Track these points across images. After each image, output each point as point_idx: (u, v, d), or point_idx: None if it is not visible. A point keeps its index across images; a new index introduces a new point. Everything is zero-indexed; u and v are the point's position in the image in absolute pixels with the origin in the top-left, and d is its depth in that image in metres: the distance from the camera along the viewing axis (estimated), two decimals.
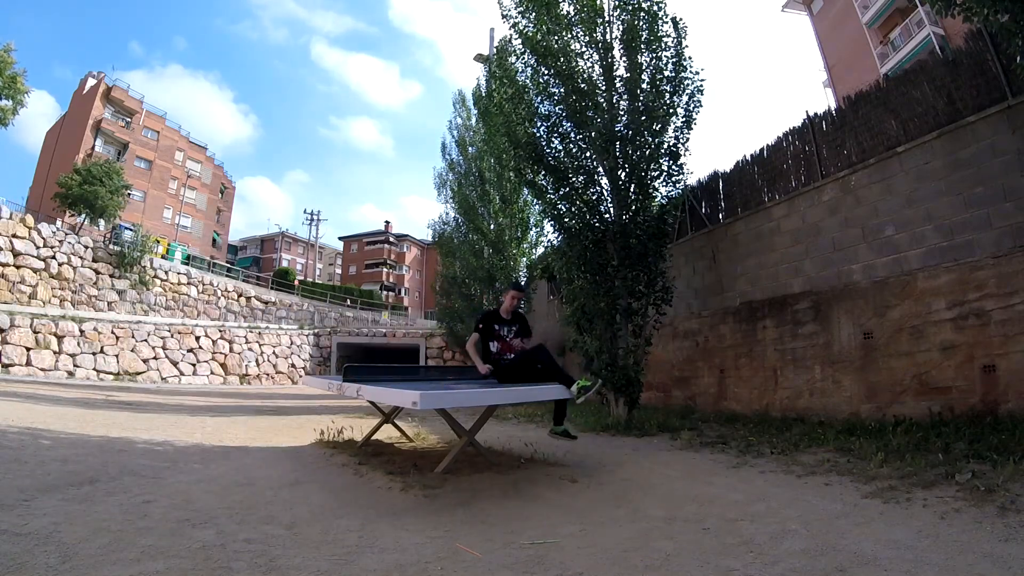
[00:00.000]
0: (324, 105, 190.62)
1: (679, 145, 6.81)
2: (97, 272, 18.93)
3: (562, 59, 6.79)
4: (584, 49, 6.94)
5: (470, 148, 14.57)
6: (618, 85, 6.88)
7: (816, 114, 6.67)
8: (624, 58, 6.85)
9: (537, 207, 11.86)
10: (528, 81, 7.22)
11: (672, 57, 6.70)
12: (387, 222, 55.86)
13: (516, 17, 7.06)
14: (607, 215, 6.85)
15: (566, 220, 6.93)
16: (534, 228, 13.61)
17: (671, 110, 6.70)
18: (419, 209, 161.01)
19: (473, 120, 14.81)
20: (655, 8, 6.73)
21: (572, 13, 6.91)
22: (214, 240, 39.17)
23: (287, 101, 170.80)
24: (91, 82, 32.19)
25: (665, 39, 6.71)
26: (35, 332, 14.51)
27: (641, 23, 6.69)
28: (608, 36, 6.93)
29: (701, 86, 6.72)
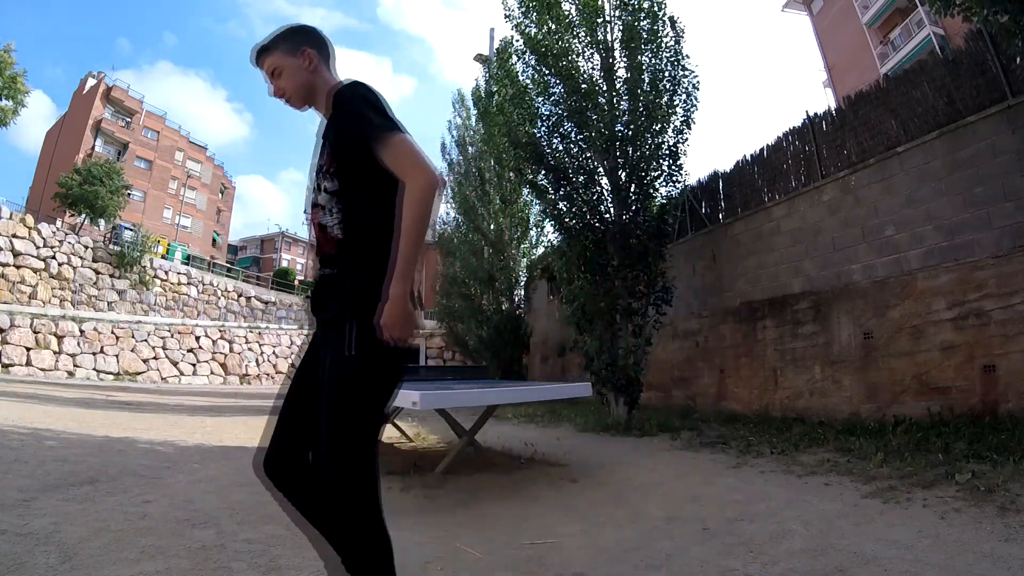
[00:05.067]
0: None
1: (679, 145, 6.81)
2: (97, 272, 18.93)
3: (563, 59, 6.80)
4: (585, 49, 6.94)
5: (470, 148, 14.55)
6: (618, 85, 6.89)
7: (816, 114, 6.67)
8: (624, 58, 6.86)
9: (537, 207, 11.85)
10: (529, 82, 7.23)
11: (671, 57, 6.72)
12: None
13: (519, 17, 7.07)
14: (607, 215, 6.85)
15: (566, 220, 6.93)
16: (534, 228, 13.59)
17: (671, 110, 6.71)
18: None
19: (473, 120, 14.79)
20: (655, 8, 6.74)
21: (573, 13, 6.92)
22: (214, 240, 39.15)
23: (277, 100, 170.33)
24: (91, 82, 32.18)
25: (664, 39, 6.73)
26: (35, 332, 14.51)
27: (641, 23, 6.70)
28: (608, 36, 6.93)
29: (696, 83, 6.73)
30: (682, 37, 6.77)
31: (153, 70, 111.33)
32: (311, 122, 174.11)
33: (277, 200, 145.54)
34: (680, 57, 6.71)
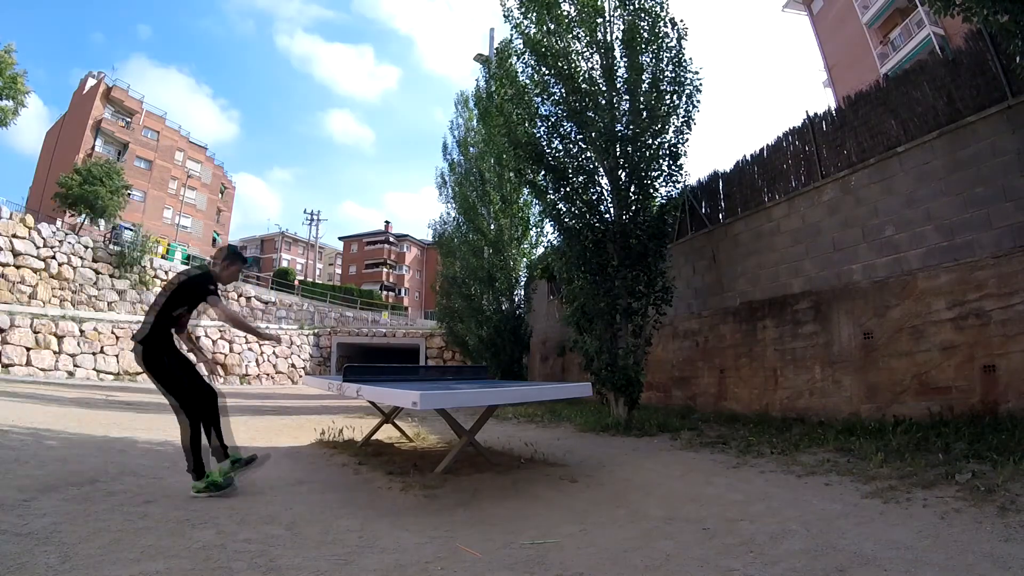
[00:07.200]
0: (302, 101, 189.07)
1: (679, 145, 6.81)
2: (97, 272, 18.93)
3: (563, 59, 6.80)
4: (585, 49, 6.94)
5: (471, 148, 14.57)
6: (619, 85, 6.89)
7: (816, 114, 6.67)
8: (624, 58, 6.85)
9: (537, 207, 11.84)
10: (528, 81, 7.23)
11: (672, 58, 6.71)
12: (387, 222, 55.84)
13: (518, 18, 7.07)
14: (607, 215, 6.85)
15: (566, 220, 6.93)
16: (534, 228, 13.60)
17: (671, 110, 6.70)
18: (401, 204, 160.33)
19: (474, 121, 14.80)
20: (656, 8, 6.74)
21: (573, 13, 6.92)
22: (214, 240, 39.14)
23: (264, 97, 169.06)
24: (91, 82, 32.19)
25: (665, 40, 6.72)
26: (35, 332, 14.51)
27: (642, 23, 6.70)
28: (609, 36, 6.93)
29: (700, 85, 6.73)
30: (684, 38, 6.76)
31: (136, 66, 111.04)
32: (299, 122, 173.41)
33: (269, 199, 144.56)
34: (682, 58, 6.71)
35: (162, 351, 3.08)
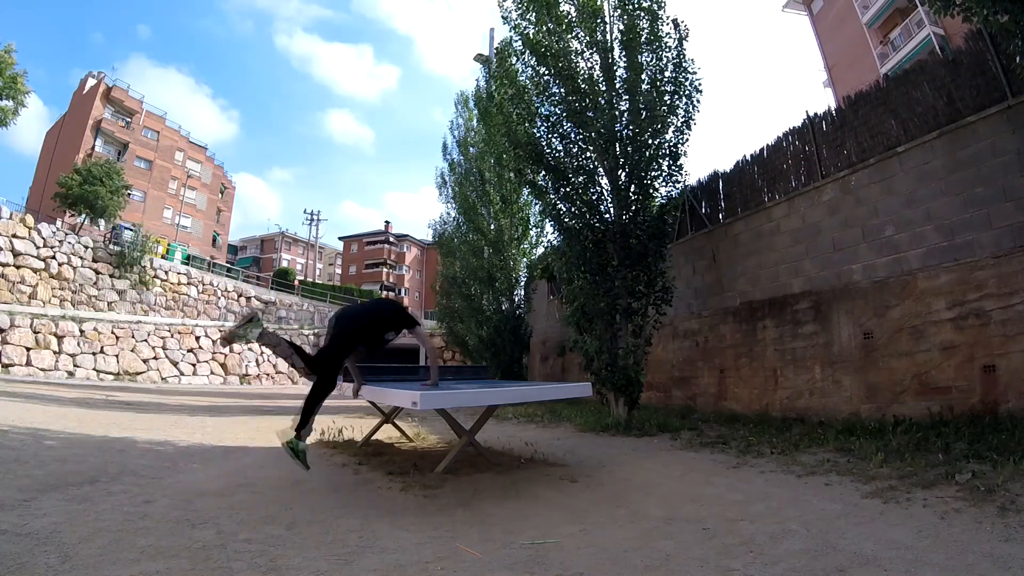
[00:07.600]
0: (302, 101, 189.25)
1: (679, 146, 6.81)
2: (97, 272, 18.92)
3: (562, 59, 6.80)
4: (584, 49, 6.94)
5: (471, 148, 14.56)
6: (618, 85, 6.89)
7: (816, 114, 6.67)
8: (624, 58, 6.86)
9: (537, 207, 11.85)
10: (528, 81, 7.23)
11: (673, 58, 6.71)
12: (387, 222, 55.81)
13: (516, 19, 7.07)
14: (607, 215, 6.85)
15: (566, 220, 6.93)
16: (534, 228, 13.60)
17: (671, 111, 6.70)
18: (401, 204, 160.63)
19: (474, 121, 14.80)
20: (655, 8, 6.74)
21: (572, 13, 6.92)
22: (214, 240, 39.16)
23: (264, 97, 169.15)
24: (91, 82, 32.19)
25: (665, 39, 6.72)
26: (35, 332, 14.51)
27: (641, 23, 6.70)
28: (608, 36, 6.94)
29: (699, 86, 6.73)
30: (686, 39, 6.76)
31: (136, 66, 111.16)
32: (299, 121, 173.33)
33: (269, 199, 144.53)
34: (682, 59, 6.71)
35: (351, 347, 3.40)
